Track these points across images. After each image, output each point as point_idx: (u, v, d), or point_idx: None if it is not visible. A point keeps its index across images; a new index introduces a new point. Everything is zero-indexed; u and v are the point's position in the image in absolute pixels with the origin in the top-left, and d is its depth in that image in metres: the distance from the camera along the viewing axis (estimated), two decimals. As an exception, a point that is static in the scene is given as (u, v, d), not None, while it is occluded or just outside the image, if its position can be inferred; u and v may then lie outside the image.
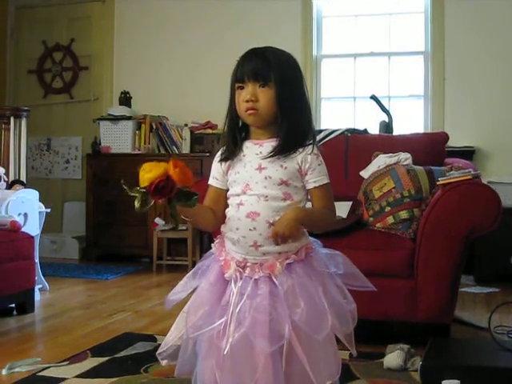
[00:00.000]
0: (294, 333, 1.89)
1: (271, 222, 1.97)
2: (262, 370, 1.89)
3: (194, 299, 2.04)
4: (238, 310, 1.93)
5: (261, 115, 1.99)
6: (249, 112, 1.99)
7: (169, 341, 2.09)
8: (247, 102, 1.98)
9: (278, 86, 1.97)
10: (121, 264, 6.54)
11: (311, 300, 1.93)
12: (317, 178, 1.99)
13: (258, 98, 1.97)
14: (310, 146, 2.00)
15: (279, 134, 2.01)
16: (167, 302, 2.09)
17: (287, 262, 1.98)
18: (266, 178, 2.00)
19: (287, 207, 1.99)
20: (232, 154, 2.05)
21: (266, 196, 1.99)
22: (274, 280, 1.95)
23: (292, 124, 1.98)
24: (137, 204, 1.87)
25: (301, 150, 2.00)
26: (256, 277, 1.97)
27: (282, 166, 1.99)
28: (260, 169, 2.00)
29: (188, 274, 2.11)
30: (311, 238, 2.08)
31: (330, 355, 1.99)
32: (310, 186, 2.01)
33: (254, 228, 1.99)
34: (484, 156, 6.29)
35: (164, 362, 2.12)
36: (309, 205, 2.06)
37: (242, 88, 2.00)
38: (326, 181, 2.01)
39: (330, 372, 1.98)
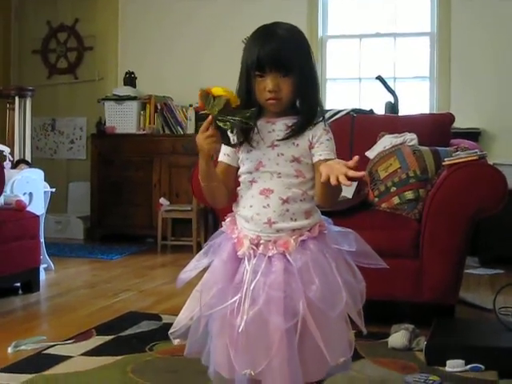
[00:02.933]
0: (308, 309, 1.88)
1: (284, 198, 1.97)
2: (277, 348, 1.88)
3: (207, 277, 2.03)
4: (252, 287, 1.92)
5: (282, 103, 1.99)
6: (270, 102, 1.98)
7: (181, 319, 2.08)
8: (269, 92, 1.97)
9: (298, 74, 1.97)
10: (125, 244, 6.55)
11: (325, 277, 1.92)
12: (323, 151, 1.96)
13: (280, 87, 1.97)
14: (321, 122, 2.00)
15: (299, 113, 2.00)
16: (178, 280, 2.07)
17: (301, 238, 1.97)
18: (278, 155, 1.99)
19: (299, 184, 1.98)
20: (245, 136, 2.04)
21: (279, 173, 1.98)
22: (288, 257, 1.94)
23: (309, 105, 1.97)
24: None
25: (311, 126, 2.00)
26: (270, 254, 1.96)
27: (294, 143, 1.99)
28: (273, 146, 1.99)
29: (199, 253, 2.10)
30: (323, 217, 2.08)
31: (343, 332, 1.99)
32: (315, 159, 1.97)
33: (268, 205, 1.98)
34: (489, 138, 6.27)
35: (176, 341, 2.12)
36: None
37: (261, 76, 1.98)
38: (332, 156, 1.97)
39: (343, 349, 1.98)
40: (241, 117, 1.89)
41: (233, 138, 1.97)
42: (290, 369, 1.89)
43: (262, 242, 1.98)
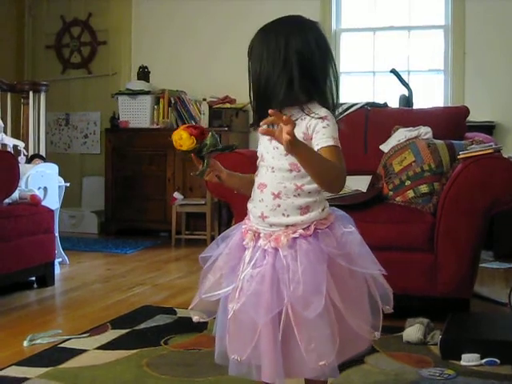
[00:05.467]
0: (290, 307, 1.89)
1: (276, 193, 1.99)
2: (260, 340, 1.92)
3: (215, 262, 2.07)
4: (242, 277, 1.97)
5: None
6: None
7: (200, 295, 2.10)
8: None
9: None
10: (139, 238, 6.56)
11: (309, 277, 1.90)
12: (320, 139, 1.92)
13: None
14: (319, 110, 1.97)
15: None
16: (200, 260, 2.13)
17: (293, 236, 1.97)
18: (274, 148, 2.00)
19: (293, 178, 1.98)
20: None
21: (273, 167, 2.00)
22: (280, 252, 1.96)
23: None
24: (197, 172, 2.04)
25: (304, 116, 1.98)
26: (265, 247, 1.99)
27: None
28: (271, 139, 1.98)
29: (217, 237, 2.15)
30: (341, 213, 2.07)
31: (324, 335, 1.92)
32: (315, 148, 1.93)
33: (262, 199, 2.02)
34: (504, 131, 6.24)
35: (195, 318, 2.14)
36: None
37: None
38: (330, 143, 1.91)
39: (322, 352, 1.91)
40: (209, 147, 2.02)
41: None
42: (271, 362, 1.91)
43: (261, 235, 2.01)
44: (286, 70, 1.96)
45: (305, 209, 1.99)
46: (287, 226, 1.98)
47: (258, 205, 2.02)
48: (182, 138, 1.95)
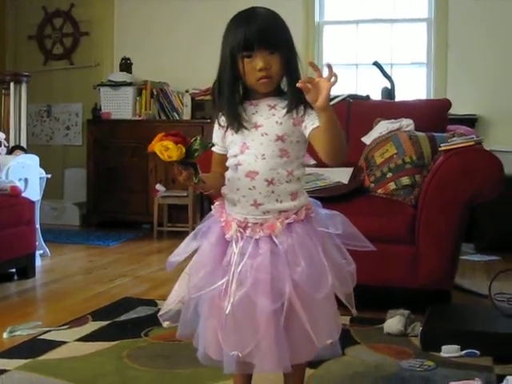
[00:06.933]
0: (294, 291, 1.90)
1: (269, 179, 1.98)
2: (264, 329, 1.91)
3: (196, 260, 2.06)
4: (239, 269, 1.95)
5: (273, 82, 2.01)
6: (262, 81, 1.99)
7: (170, 302, 2.11)
8: (260, 70, 1.96)
9: (285, 50, 1.99)
10: (121, 230, 6.53)
11: (311, 259, 1.94)
12: (314, 119, 1.95)
13: (270, 65, 1.97)
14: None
15: (281, 94, 2.03)
16: (168, 264, 2.09)
17: (287, 221, 1.99)
18: (262, 135, 2.00)
19: (284, 164, 2.00)
20: (233, 122, 2.03)
21: (263, 154, 2.00)
22: (275, 239, 1.97)
23: (295, 82, 1.95)
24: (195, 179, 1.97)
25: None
26: (257, 237, 1.99)
27: (277, 122, 2.00)
28: (256, 127, 2.01)
29: (189, 236, 2.12)
30: (311, 199, 2.09)
31: (329, 314, 2.02)
32: (309, 129, 1.96)
33: (254, 187, 2.00)
34: (486, 124, 6.26)
35: (166, 324, 2.14)
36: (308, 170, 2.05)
37: (249, 57, 1.98)
38: None
39: (329, 331, 2.01)
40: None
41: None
42: (277, 350, 1.92)
43: (249, 224, 2.00)
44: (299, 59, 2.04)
45: (295, 194, 2.02)
46: (280, 211, 2.00)
47: (249, 193, 2.01)
48: (169, 149, 1.88)
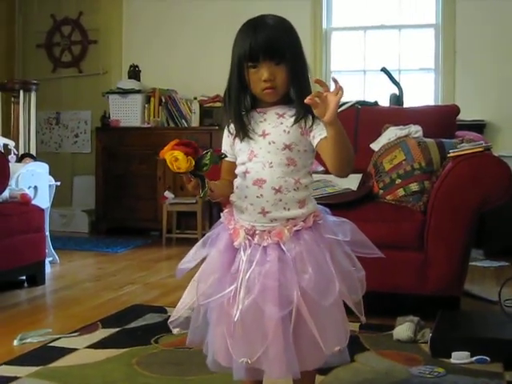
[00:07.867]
0: (302, 298, 1.91)
1: (277, 188, 1.99)
2: (273, 336, 1.91)
3: (204, 267, 2.07)
4: (247, 277, 1.95)
5: (278, 93, 2.01)
6: (267, 91, 2.00)
7: (180, 309, 2.11)
8: (265, 81, 1.97)
9: (291, 61, 1.99)
10: (130, 237, 6.54)
11: (319, 266, 1.94)
12: (322, 130, 1.95)
13: (275, 76, 1.97)
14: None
15: (290, 102, 2.03)
16: (178, 271, 2.10)
17: (295, 228, 2.00)
18: (269, 143, 2.01)
19: (291, 173, 2.01)
20: (239, 130, 2.05)
21: (271, 162, 2.00)
22: (282, 246, 1.97)
23: (302, 92, 1.96)
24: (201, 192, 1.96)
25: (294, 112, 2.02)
26: (265, 244, 1.99)
27: (284, 130, 2.01)
28: (264, 135, 2.02)
29: (198, 243, 2.13)
30: (319, 206, 2.10)
31: (338, 321, 2.02)
32: (317, 139, 1.97)
33: (261, 195, 2.01)
34: (495, 130, 6.25)
35: (175, 331, 2.14)
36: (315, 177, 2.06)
37: (254, 67, 1.99)
38: None
39: (338, 338, 2.01)
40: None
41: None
42: (286, 356, 1.92)
43: (257, 232, 2.01)
44: (308, 68, 2.06)
45: (303, 202, 2.03)
46: (288, 219, 2.00)
47: (257, 201, 2.01)
48: (179, 160, 1.88)
